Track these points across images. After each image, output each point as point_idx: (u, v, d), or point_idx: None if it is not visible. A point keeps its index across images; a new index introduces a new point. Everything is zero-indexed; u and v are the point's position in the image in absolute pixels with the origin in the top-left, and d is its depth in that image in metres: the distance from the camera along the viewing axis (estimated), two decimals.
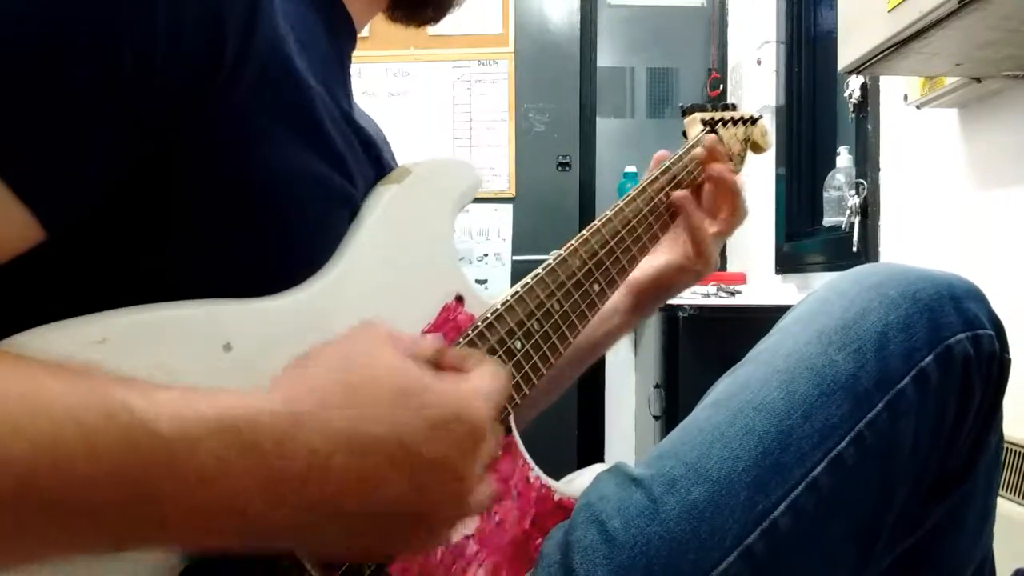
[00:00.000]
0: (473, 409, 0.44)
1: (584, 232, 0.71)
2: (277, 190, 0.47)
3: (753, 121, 0.97)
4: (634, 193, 0.77)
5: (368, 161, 0.59)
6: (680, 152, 0.85)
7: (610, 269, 0.71)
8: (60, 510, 0.33)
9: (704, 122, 0.91)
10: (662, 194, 0.79)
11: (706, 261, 0.82)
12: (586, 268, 0.68)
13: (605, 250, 0.71)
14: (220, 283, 0.45)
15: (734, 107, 0.97)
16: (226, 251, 0.46)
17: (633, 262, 0.75)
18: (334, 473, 0.38)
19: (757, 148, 0.98)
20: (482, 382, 0.46)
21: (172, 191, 0.44)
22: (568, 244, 0.69)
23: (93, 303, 0.41)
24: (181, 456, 0.35)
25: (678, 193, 0.80)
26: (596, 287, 0.69)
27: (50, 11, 0.37)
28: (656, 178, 0.80)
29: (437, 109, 2.67)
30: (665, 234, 0.80)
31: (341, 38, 0.62)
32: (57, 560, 0.36)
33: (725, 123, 0.92)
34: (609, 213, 0.74)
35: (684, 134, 0.92)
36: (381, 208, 0.56)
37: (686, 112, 0.93)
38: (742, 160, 0.95)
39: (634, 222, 0.75)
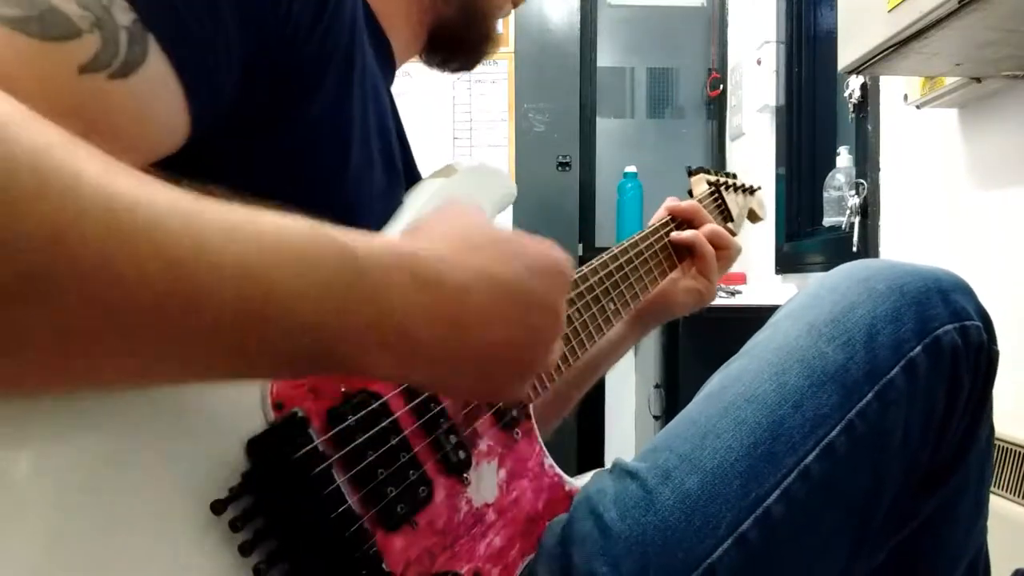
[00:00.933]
0: (563, 260, 0.49)
1: (604, 255, 0.78)
2: (338, 169, 0.52)
3: (752, 191, 1.06)
4: (647, 232, 0.86)
5: (402, 161, 0.64)
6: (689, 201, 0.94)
7: (624, 293, 0.78)
8: (289, 322, 0.35)
9: (709, 183, 1.00)
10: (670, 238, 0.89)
11: (708, 280, 0.88)
12: (604, 287, 0.75)
13: (621, 274, 0.78)
14: None
15: (735, 176, 1.06)
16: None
17: (644, 291, 0.82)
18: (473, 305, 0.42)
19: (754, 217, 1.07)
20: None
21: (244, 157, 0.48)
22: (589, 263, 0.76)
23: None
24: (379, 282, 0.38)
25: (688, 232, 0.88)
26: (612, 306, 0.75)
27: None
28: (667, 223, 0.89)
29: (437, 109, 2.68)
30: (672, 272, 0.88)
31: (385, 70, 0.65)
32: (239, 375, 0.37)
33: (728, 187, 1.02)
34: (626, 243, 0.82)
35: (689, 192, 1.00)
36: (429, 196, 0.61)
37: (692, 173, 1.02)
38: (740, 224, 1.04)
39: (647, 255, 0.83)
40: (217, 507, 0.40)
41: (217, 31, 0.43)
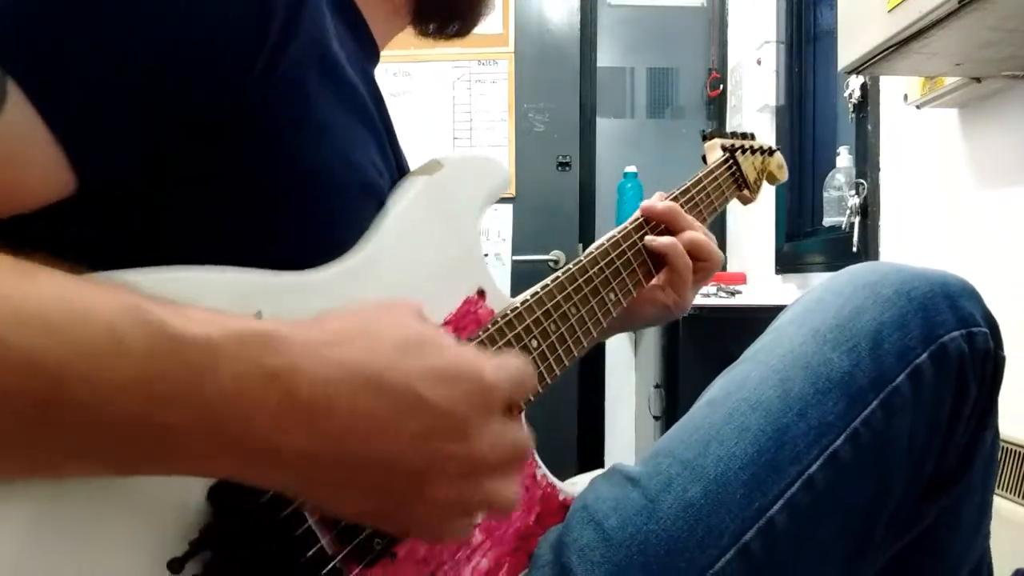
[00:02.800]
0: (485, 372, 0.41)
1: (603, 241, 0.71)
2: (316, 178, 0.49)
3: (771, 152, 1.00)
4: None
5: (393, 156, 0.61)
6: (698, 175, 0.86)
7: (626, 280, 0.71)
8: (86, 416, 0.33)
9: (724, 148, 0.93)
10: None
11: (680, 296, 0.78)
12: (603, 276, 0.69)
13: (622, 261, 0.71)
14: (248, 261, 0.46)
15: (753, 136, 0.99)
16: (258, 233, 0.47)
17: (649, 276, 0.75)
18: (341, 406, 0.37)
19: (772, 179, 1.00)
20: (505, 361, 0.43)
21: (209, 172, 0.45)
22: (588, 251, 0.69)
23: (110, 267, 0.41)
24: (206, 372, 0.34)
25: (663, 241, 0.75)
26: (612, 296, 0.69)
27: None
28: (640, 225, 0.77)
29: (437, 109, 2.67)
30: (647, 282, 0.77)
31: (367, 57, 0.63)
32: (58, 477, 0.35)
33: (744, 151, 0.94)
34: (630, 226, 0.74)
35: (704, 159, 0.93)
36: (411, 197, 0.57)
37: (706, 137, 0.95)
38: (758, 188, 0.97)
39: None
40: (175, 566, 0.37)
41: (109, 94, 0.40)
